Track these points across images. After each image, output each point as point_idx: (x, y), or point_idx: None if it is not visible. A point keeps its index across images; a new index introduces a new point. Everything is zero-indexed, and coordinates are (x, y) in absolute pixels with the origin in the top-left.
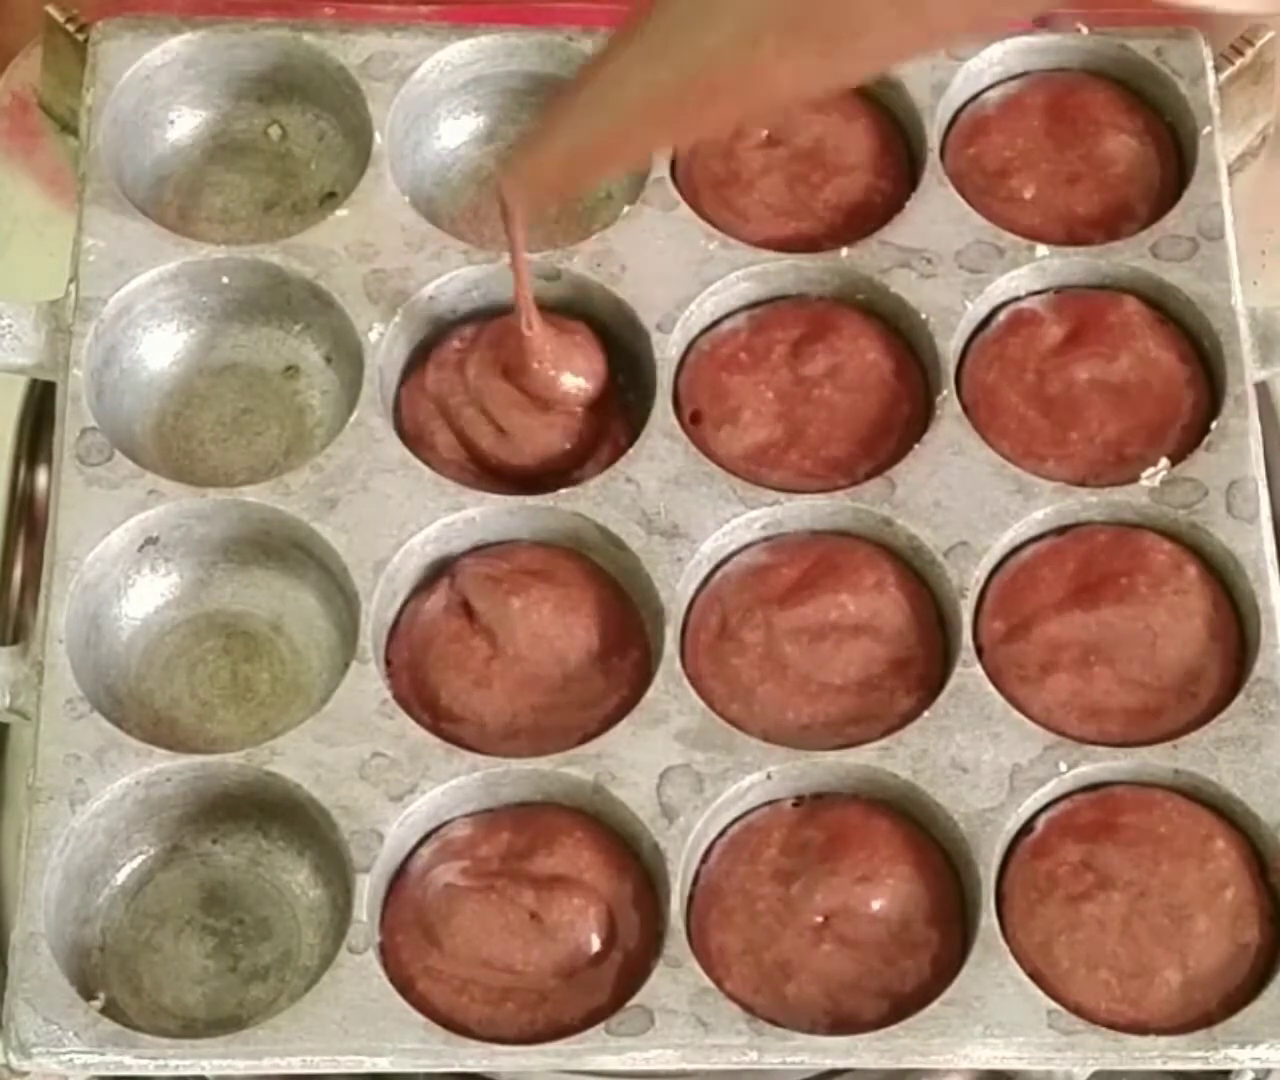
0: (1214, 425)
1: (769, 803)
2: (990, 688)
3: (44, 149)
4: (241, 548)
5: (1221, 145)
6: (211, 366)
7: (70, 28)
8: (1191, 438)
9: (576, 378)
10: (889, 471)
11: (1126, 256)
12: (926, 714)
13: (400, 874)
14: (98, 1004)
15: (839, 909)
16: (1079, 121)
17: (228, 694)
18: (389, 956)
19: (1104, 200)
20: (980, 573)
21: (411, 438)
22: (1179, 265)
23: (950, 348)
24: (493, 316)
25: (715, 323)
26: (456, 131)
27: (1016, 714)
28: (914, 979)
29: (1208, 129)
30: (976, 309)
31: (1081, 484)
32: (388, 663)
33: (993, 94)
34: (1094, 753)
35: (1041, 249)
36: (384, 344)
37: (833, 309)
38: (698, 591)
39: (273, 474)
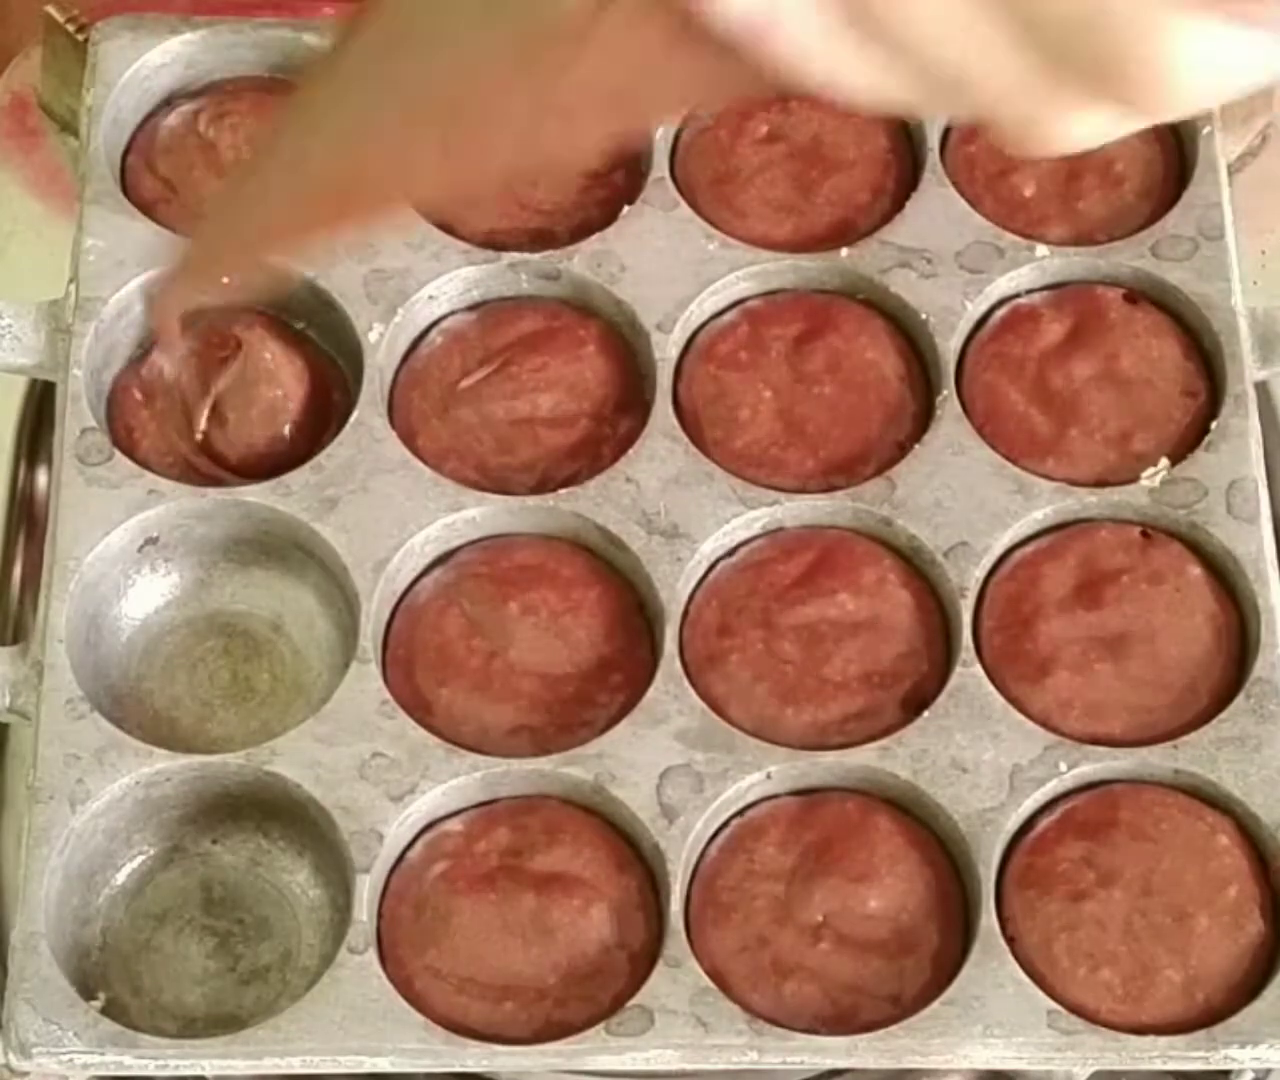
0: (1214, 425)
1: (768, 798)
2: (990, 687)
3: (44, 149)
4: (241, 548)
5: (1221, 145)
6: None
7: (70, 28)
8: (1191, 438)
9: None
10: (889, 471)
11: (1126, 256)
12: (926, 714)
13: (400, 874)
14: (98, 1004)
15: (838, 909)
16: None
17: (228, 694)
18: (388, 956)
19: (1104, 199)
20: (980, 572)
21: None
22: (1179, 265)
23: (950, 348)
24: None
25: (713, 320)
26: None
27: (1016, 714)
28: (913, 979)
29: (1208, 129)
30: (976, 309)
31: (1081, 482)
32: (387, 663)
33: None
34: (1094, 752)
35: (1041, 249)
36: (384, 344)
37: (832, 305)
38: (697, 591)
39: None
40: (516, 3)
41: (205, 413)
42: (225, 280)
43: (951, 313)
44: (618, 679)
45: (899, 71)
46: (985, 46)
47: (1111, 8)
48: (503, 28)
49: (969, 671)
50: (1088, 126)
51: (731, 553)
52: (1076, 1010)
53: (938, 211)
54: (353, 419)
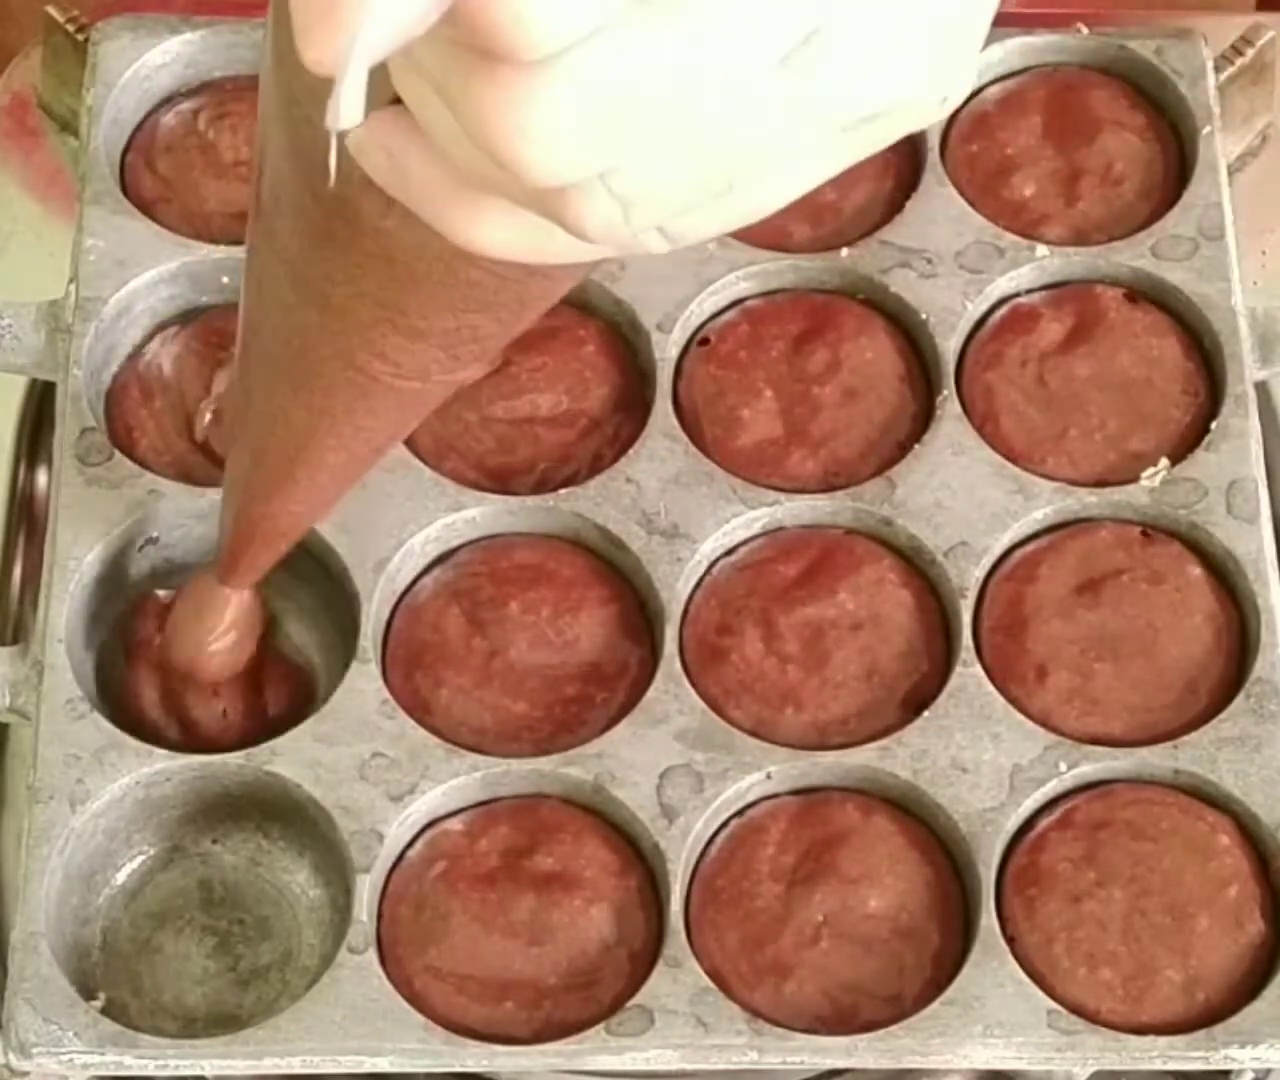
0: (1214, 425)
1: (768, 798)
2: (990, 687)
3: (44, 149)
4: None
5: (1221, 145)
6: None
7: (70, 28)
8: (1191, 438)
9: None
10: (889, 471)
11: (1126, 256)
12: (926, 714)
13: (400, 874)
14: (98, 1004)
15: (838, 909)
16: (1080, 119)
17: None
18: (388, 956)
19: (1104, 199)
20: (980, 572)
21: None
22: (1179, 265)
23: (950, 348)
24: None
25: (713, 319)
26: None
27: (1017, 714)
28: (913, 979)
29: (1208, 129)
30: (976, 309)
31: (1081, 482)
32: (387, 663)
33: (993, 91)
34: (1094, 752)
35: (1041, 249)
36: None
37: (832, 305)
38: (697, 591)
39: None
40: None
41: (206, 413)
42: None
43: (951, 313)
44: (618, 679)
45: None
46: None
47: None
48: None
49: (969, 671)
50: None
51: (731, 552)
52: (1076, 1010)
53: (938, 211)
54: None
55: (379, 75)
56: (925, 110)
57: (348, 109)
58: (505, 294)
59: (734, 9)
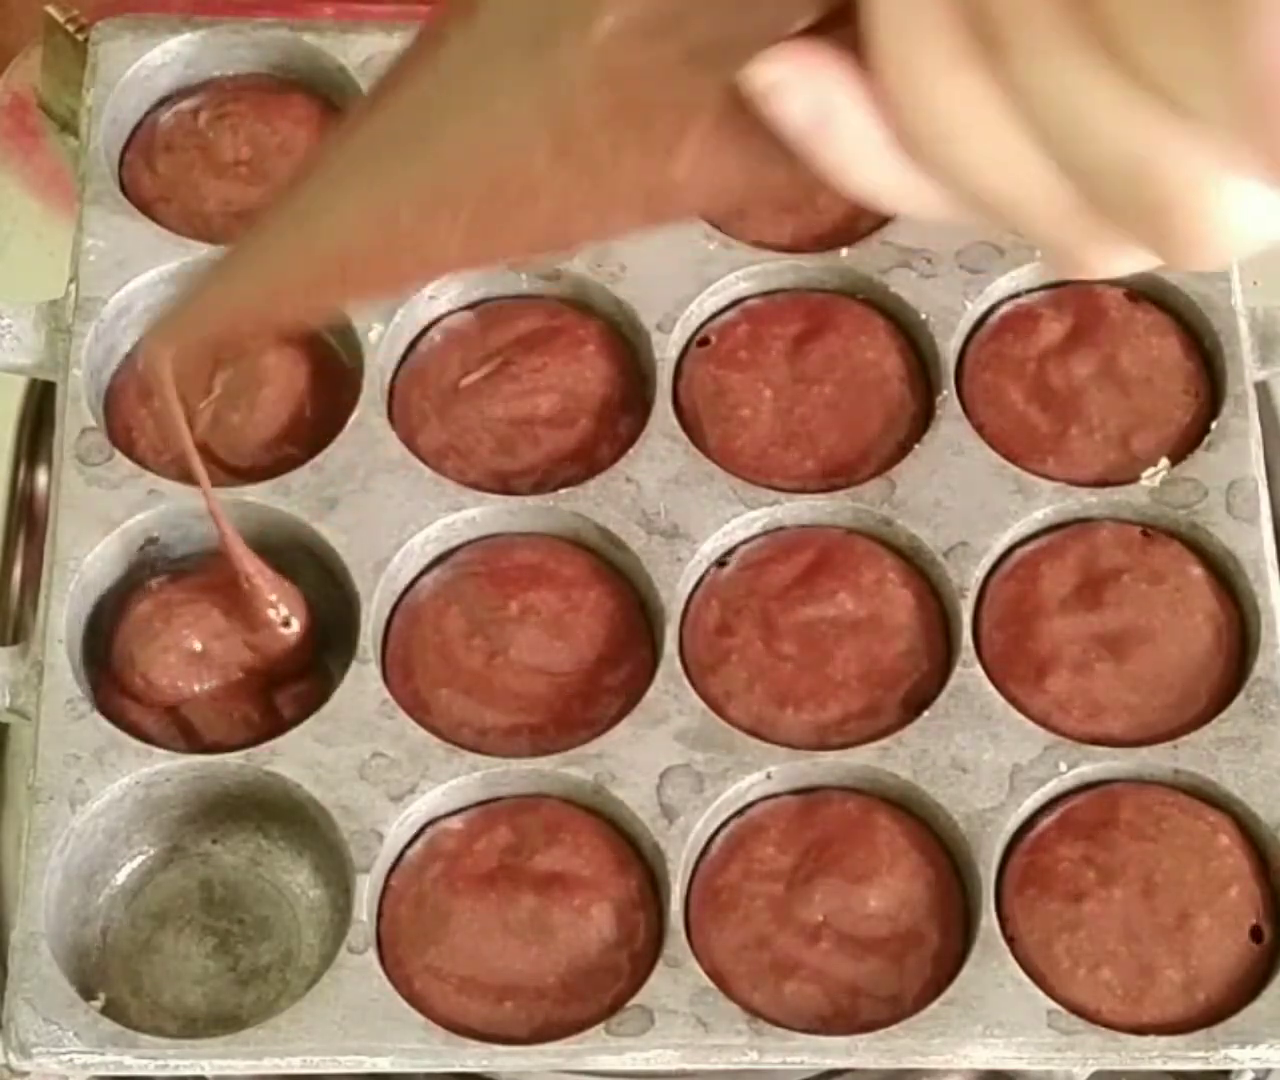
0: (1214, 425)
1: (768, 798)
2: (990, 687)
3: (44, 149)
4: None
5: None
6: None
7: (70, 28)
8: (1191, 438)
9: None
10: (889, 471)
11: None
12: (926, 714)
13: (400, 874)
14: (98, 1004)
15: (838, 908)
16: None
17: None
18: (388, 956)
19: None
20: (980, 572)
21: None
22: None
23: (950, 348)
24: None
25: (713, 319)
26: None
27: (1016, 714)
28: (913, 979)
29: None
30: (976, 309)
31: (1081, 482)
32: (387, 663)
33: None
34: (1094, 752)
35: None
36: (384, 343)
37: (832, 305)
38: (697, 591)
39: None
40: (548, 69)
41: (206, 413)
42: (221, 333)
43: (951, 313)
44: (618, 679)
45: (946, 193)
46: (1033, 184)
47: (1156, 161)
48: (535, 104)
49: (969, 671)
50: (1126, 262)
51: (731, 552)
52: (1076, 1010)
53: None
54: (353, 419)
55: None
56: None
57: None
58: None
59: None
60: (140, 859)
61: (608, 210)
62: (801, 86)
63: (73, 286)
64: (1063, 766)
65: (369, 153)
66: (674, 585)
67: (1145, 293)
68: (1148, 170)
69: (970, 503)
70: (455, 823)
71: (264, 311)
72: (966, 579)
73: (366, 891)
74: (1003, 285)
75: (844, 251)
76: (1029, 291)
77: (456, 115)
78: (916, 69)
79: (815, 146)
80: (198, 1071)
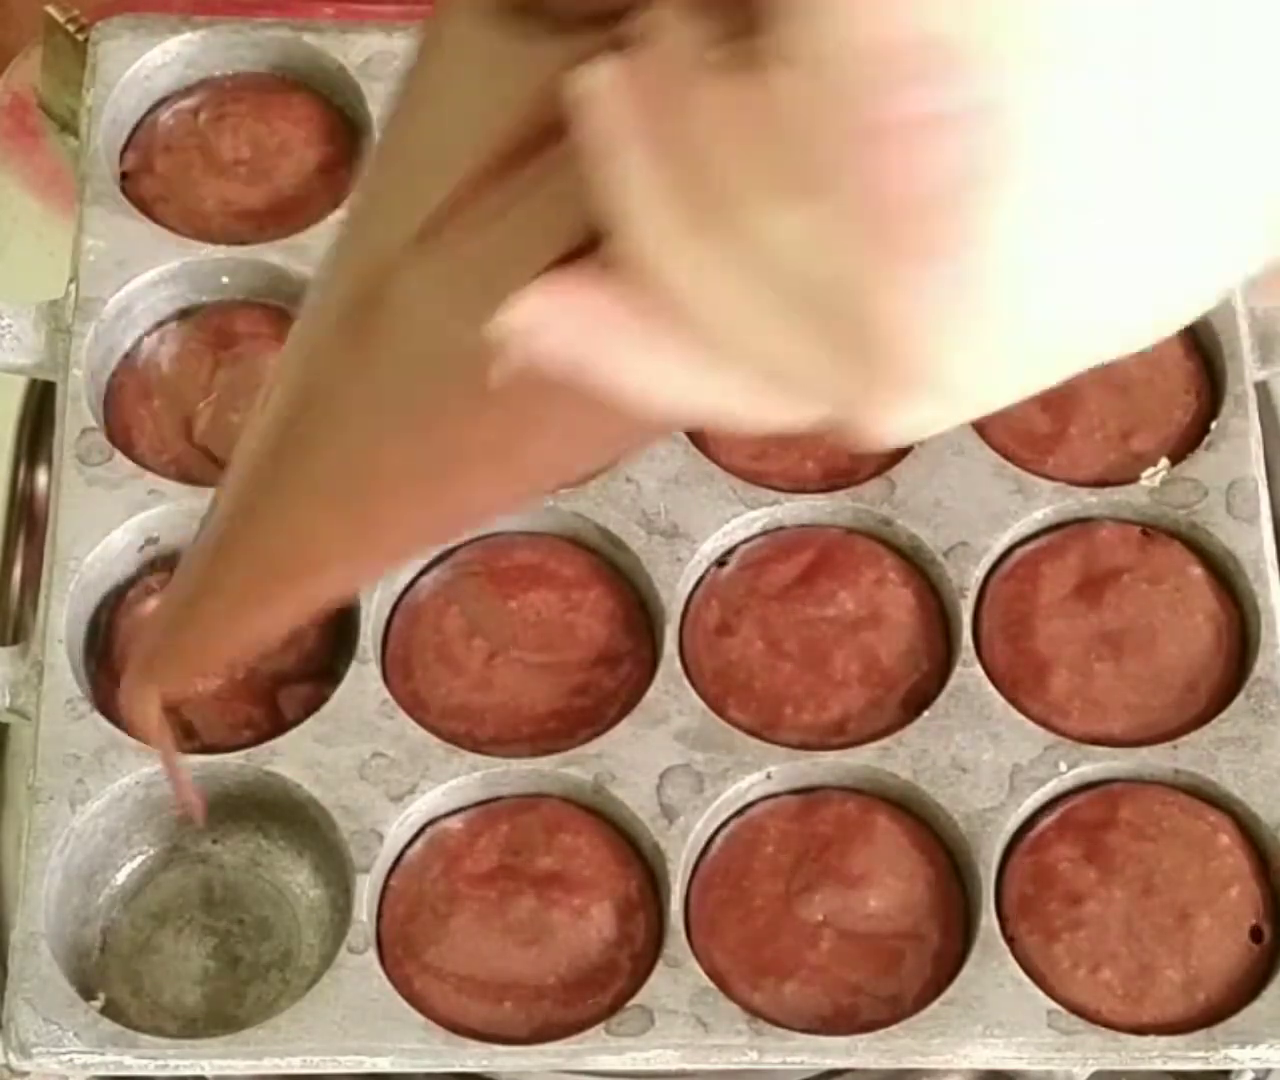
0: (1214, 425)
1: (768, 798)
2: (990, 687)
3: (44, 149)
4: None
5: None
6: None
7: (70, 28)
8: (1191, 438)
9: None
10: (889, 471)
11: None
12: (926, 714)
13: (400, 874)
14: (98, 1004)
15: (838, 909)
16: None
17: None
18: (388, 956)
19: None
20: (980, 572)
21: None
22: None
23: None
24: None
25: None
26: None
27: (1016, 714)
28: (914, 979)
29: None
30: None
31: (1081, 482)
32: (387, 663)
33: None
34: (1094, 752)
35: None
36: None
37: None
38: (697, 591)
39: None
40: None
41: (206, 413)
42: (196, 674)
43: None
44: (618, 679)
45: (739, 379)
46: (786, 338)
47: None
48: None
49: (969, 671)
50: (908, 418)
51: (731, 552)
52: (1076, 1010)
53: None
54: None
55: (537, 227)
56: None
57: None
58: (616, 436)
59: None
60: (140, 859)
61: (483, 482)
62: (547, 317)
63: (73, 286)
64: (1063, 766)
65: (255, 481)
66: (674, 585)
67: None
68: (865, 306)
69: (970, 503)
70: (455, 823)
71: (219, 648)
72: (966, 579)
73: (366, 891)
74: None
75: None
76: None
77: (331, 422)
78: (655, 253)
79: (584, 368)
80: (198, 1071)
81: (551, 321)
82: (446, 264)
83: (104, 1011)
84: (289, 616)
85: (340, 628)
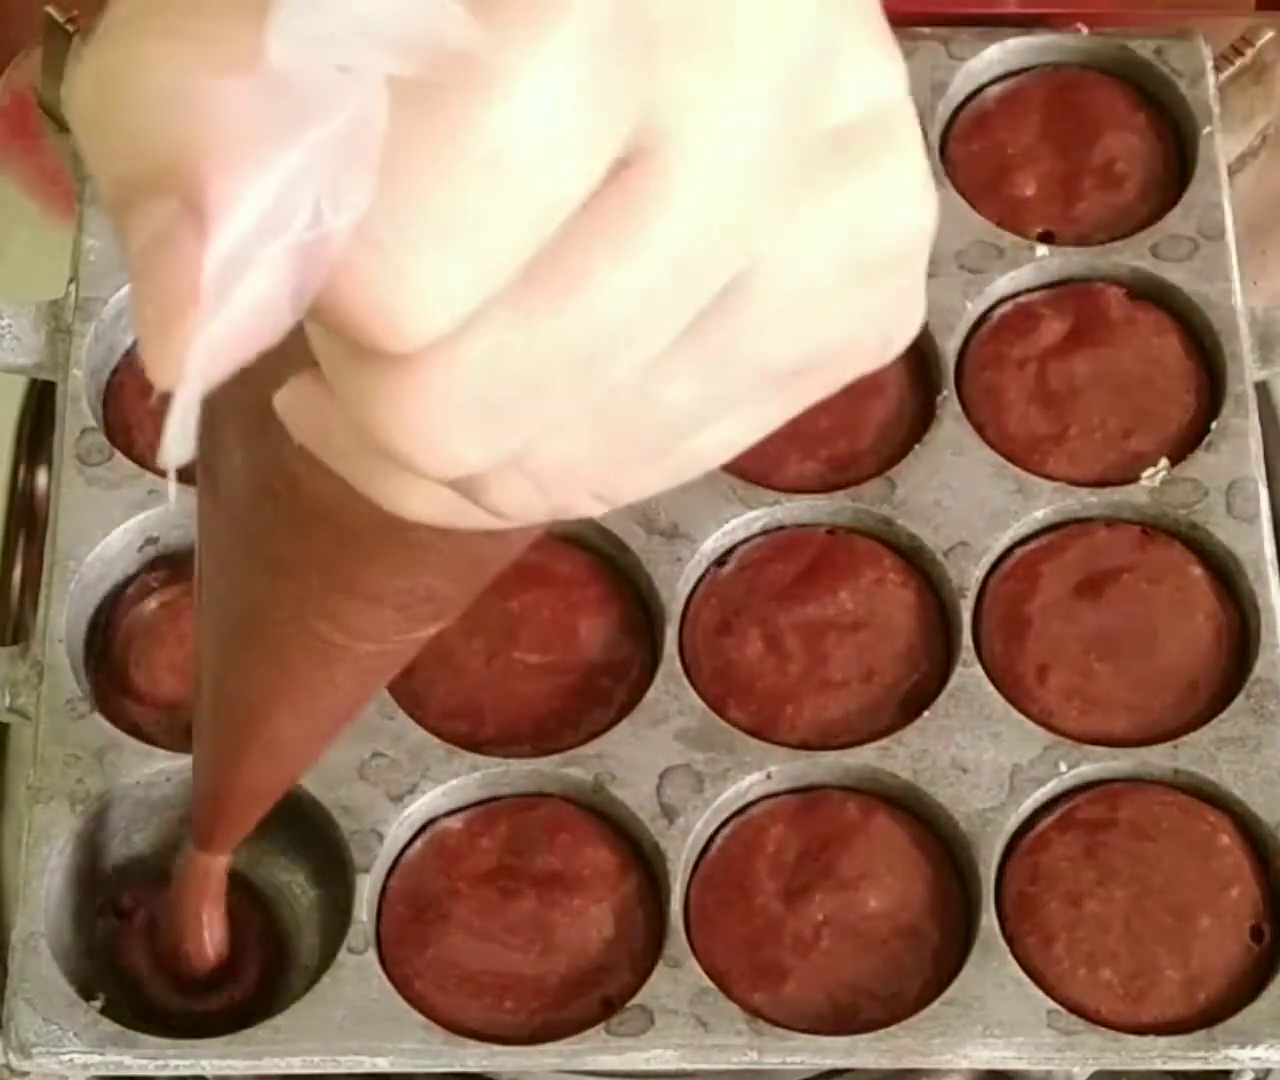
0: (1214, 425)
1: (768, 797)
2: (990, 687)
3: (44, 149)
4: None
5: (1221, 145)
6: None
7: (70, 28)
8: (1191, 438)
9: None
10: (889, 471)
11: (1126, 256)
12: (926, 714)
13: (400, 874)
14: (97, 1004)
15: (838, 908)
16: (1080, 118)
17: None
18: (388, 956)
19: (1104, 199)
20: (980, 572)
21: None
22: (1179, 265)
23: (950, 347)
24: None
25: None
26: None
27: (1016, 714)
28: (913, 978)
29: (1208, 129)
30: (976, 309)
31: (1081, 482)
32: None
33: (993, 91)
34: (1094, 752)
35: (1041, 249)
36: None
37: None
38: (697, 590)
39: None
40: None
41: None
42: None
43: (951, 313)
44: (618, 679)
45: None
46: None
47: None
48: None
49: (969, 671)
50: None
51: (731, 552)
52: (1076, 1010)
53: (938, 211)
54: None
55: (299, 336)
56: (867, 357)
57: (174, 445)
58: (457, 556)
59: (632, 282)
60: (140, 859)
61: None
62: (302, 409)
63: (73, 286)
64: (1063, 766)
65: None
66: (674, 585)
67: (1145, 292)
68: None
69: (970, 503)
70: (455, 822)
71: (248, 807)
72: (966, 579)
73: (366, 891)
74: (1002, 285)
75: None
76: (1029, 291)
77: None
78: (331, 377)
79: (326, 456)
80: (198, 1072)
81: (295, 412)
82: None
83: (104, 1011)
84: (270, 773)
85: None
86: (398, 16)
